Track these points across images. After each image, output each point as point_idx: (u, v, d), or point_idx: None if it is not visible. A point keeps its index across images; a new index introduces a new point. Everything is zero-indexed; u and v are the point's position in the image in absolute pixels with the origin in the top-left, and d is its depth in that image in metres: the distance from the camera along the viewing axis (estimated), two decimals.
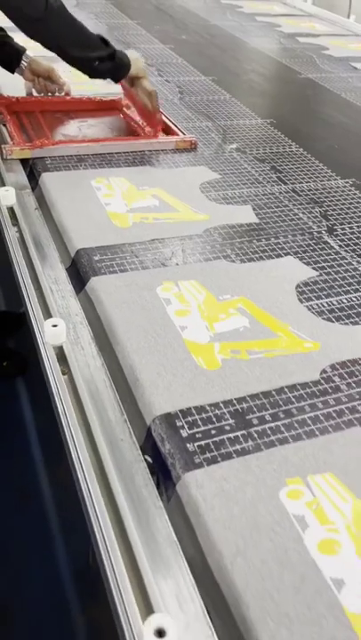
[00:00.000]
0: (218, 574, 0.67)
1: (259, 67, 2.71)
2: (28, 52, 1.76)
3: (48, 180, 1.44)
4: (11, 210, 1.29)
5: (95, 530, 0.67)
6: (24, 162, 1.55)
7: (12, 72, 1.79)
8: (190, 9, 3.61)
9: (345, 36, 3.41)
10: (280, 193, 1.52)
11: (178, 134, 1.72)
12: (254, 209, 1.43)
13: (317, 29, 3.51)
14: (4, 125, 1.66)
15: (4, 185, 1.40)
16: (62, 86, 1.83)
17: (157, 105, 1.66)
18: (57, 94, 1.85)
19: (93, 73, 1.58)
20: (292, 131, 1.95)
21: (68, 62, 1.54)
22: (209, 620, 0.61)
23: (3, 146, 1.53)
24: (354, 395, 0.91)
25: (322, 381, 0.93)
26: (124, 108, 1.87)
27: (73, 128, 1.77)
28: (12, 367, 2.13)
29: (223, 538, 0.69)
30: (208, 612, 0.63)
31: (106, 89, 1.93)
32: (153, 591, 0.61)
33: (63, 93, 1.86)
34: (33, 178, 1.49)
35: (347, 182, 1.63)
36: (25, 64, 1.75)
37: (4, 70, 1.90)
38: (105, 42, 1.52)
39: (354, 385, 0.93)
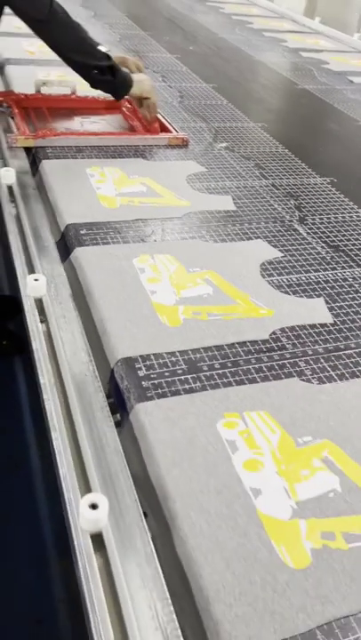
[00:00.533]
0: (155, 481, 0.78)
1: (259, 77, 2.87)
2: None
3: (47, 166, 1.58)
4: (10, 189, 1.43)
5: (54, 437, 0.79)
6: (28, 151, 1.69)
7: None
8: (202, 23, 3.78)
9: (347, 53, 3.55)
10: (260, 187, 1.65)
11: (171, 132, 1.87)
12: (234, 199, 1.55)
13: (321, 45, 3.66)
14: (12, 118, 1.82)
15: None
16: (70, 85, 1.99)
17: (155, 114, 1.84)
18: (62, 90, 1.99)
19: (93, 82, 1.71)
20: (281, 134, 2.08)
21: (69, 65, 1.69)
22: (140, 509, 0.73)
23: (8, 135, 1.68)
24: (297, 353, 1.03)
25: (270, 341, 1.05)
26: (124, 108, 2.01)
27: (75, 123, 1.91)
28: (11, 347, 2.27)
29: (162, 453, 0.81)
30: (143, 510, 0.75)
31: None
32: (94, 482, 0.73)
33: (71, 92, 1.99)
34: (34, 165, 1.64)
35: (325, 180, 1.75)
36: None
37: (16, 68, 2.06)
38: (107, 56, 1.65)
39: (298, 345, 1.05)
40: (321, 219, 1.52)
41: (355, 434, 0.88)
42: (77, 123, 1.92)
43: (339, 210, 1.58)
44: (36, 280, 1.04)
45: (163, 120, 1.91)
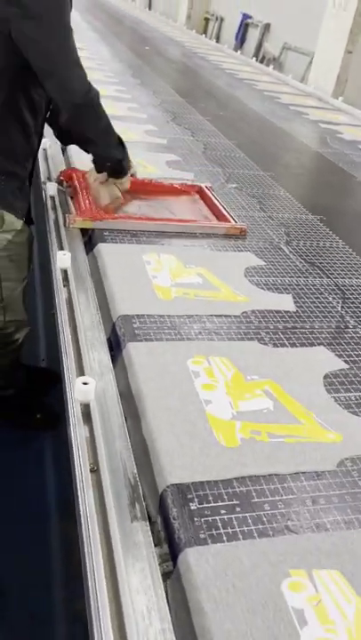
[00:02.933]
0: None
1: (277, 139, 3.11)
2: None
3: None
4: (64, 272, 1.38)
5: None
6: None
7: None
8: (234, 95, 4.11)
9: None
10: (259, 217, 1.57)
11: (229, 220, 1.81)
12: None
13: (340, 119, 3.88)
14: (71, 198, 1.80)
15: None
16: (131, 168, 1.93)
17: (116, 206, 1.77)
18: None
19: (102, 167, 1.66)
20: (285, 182, 2.33)
21: (80, 147, 1.65)
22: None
23: (67, 215, 1.65)
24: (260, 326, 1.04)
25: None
26: (195, 194, 1.99)
27: (134, 206, 1.88)
28: (44, 421, 2.15)
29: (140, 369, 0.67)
30: None
31: (173, 174, 2.13)
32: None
33: (130, 174, 1.93)
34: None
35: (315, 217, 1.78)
36: None
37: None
38: (122, 143, 1.61)
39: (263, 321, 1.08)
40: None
41: (292, 379, 1.13)
42: (136, 206, 1.89)
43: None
44: (84, 384, 0.95)
45: (221, 209, 1.87)
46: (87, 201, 1.75)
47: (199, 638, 0.66)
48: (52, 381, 2.19)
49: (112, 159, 1.62)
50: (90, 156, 1.67)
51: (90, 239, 1.63)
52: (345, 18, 4.87)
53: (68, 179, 1.87)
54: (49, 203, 1.76)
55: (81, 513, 0.79)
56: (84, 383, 0.95)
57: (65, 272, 1.38)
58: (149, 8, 11.73)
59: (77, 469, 0.86)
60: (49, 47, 1.37)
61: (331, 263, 1.69)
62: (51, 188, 1.79)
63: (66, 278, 1.36)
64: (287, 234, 1.85)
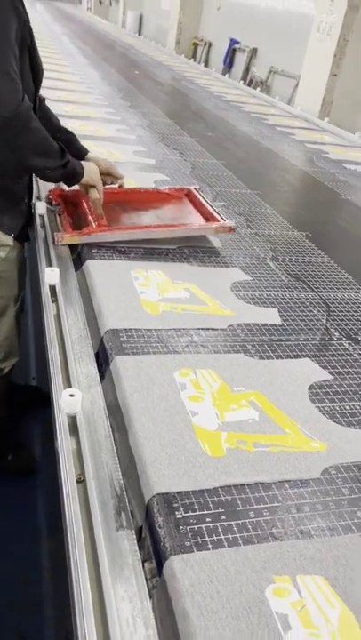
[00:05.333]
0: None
1: (263, 159, 3.19)
2: (90, 154, 1.86)
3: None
4: (52, 288, 1.40)
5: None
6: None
7: None
8: (223, 117, 4.20)
9: (347, 147, 3.87)
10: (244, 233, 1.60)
11: (218, 220, 1.81)
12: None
13: (325, 140, 3.99)
14: (59, 215, 1.82)
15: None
16: (119, 179, 1.90)
17: (100, 211, 1.73)
18: (110, 185, 1.91)
19: (44, 178, 1.65)
20: (271, 200, 2.39)
21: (24, 166, 1.56)
22: None
23: (56, 233, 1.66)
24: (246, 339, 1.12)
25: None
26: (184, 198, 2.01)
27: (124, 217, 1.87)
28: (18, 465, 1.95)
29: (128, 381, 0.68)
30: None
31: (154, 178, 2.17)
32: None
33: (117, 185, 1.93)
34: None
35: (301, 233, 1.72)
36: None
37: None
38: (63, 152, 1.54)
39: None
40: None
41: (278, 390, 1.15)
42: (126, 216, 1.89)
43: None
44: (71, 396, 0.96)
45: (210, 209, 1.89)
46: (74, 218, 1.77)
47: None
48: (43, 400, 2.14)
49: (51, 167, 1.53)
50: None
51: (79, 256, 1.65)
52: (329, 42, 5.02)
53: (56, 197, 1.90)
54: (38, 221, 1.79)
55: (67, 522, 0.80)
56: (71, 395, 0.97)
57: (53, 288, 1.40)
58: (139, 34, 11.98)
59: (64, 480, 0.87)
60: None
61: (316, 278, 1.72)
62: (40, 207, 1.82)
63: (54, 294, 1.38)
64: (273, 250, 1.88)
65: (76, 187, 1.72)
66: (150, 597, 0.73)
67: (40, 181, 2.10)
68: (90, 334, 1.28)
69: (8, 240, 1.63)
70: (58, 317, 1.32)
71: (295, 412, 1.10)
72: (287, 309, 1.50)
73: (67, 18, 11.48)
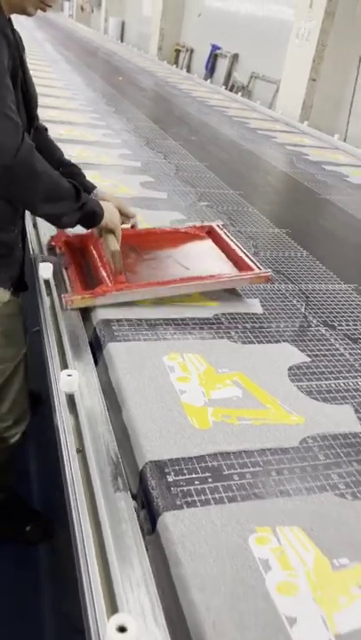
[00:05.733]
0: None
1: (245, 161, 3.31)
2: (97, 189, 1.65)
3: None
4: (70, 397, 1.07)
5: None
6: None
7: None
8: (206, 121, 4.33)
9: (327, 149, 4.02)
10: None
11: (252, 267, 1.56)
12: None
13: (305, 142, 4.13)
14: (66, 269, 1.50)
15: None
16: (131, 218, 1.64)
17: (120, 266, 1.43)
18: (123, 226, 1.56)
19: (60, 225, 1.46)
20: (252, 200, 2.49)
21: (36, 215, 1.41)
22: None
23: (63, 295, 1.35)
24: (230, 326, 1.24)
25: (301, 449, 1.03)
26: (206, 237, 1.76)
27: (141, 265, 1.57)
28: (36, 533, 1.80)
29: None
30: None
31: (147, 194, 2.25)
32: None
33: (129, 226, 1.64)
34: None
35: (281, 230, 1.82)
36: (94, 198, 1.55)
37: None
38: (78, 191, 1.33)
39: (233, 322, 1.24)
40: (348, 323, 1.54)
41: (260, 371, 1.23)
42: (143, 264, 1.58)
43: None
44: (69, 375, 1.04)
45: (238, 251, 1.64)
46: (82, 269, 1.49)
47: (176, 583, 0.75)
48: (34, 402, 1.83)
49: (67, 213, 1.34)
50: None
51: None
52: (308, 48, 5.17)
53: (61, 245, 1.61)
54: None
55: (69, 485, 0.88)
56: (69, 375, 1.05)
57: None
58: (122, 40, 12.11)
59: (64, 450, 0.95)
60: None
61: (295, 271, 1.82)
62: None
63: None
64: (255, 246, 1.98)
65: (82, 229, 1.47)
66: (146, 549, 0.81)
67: (38, 223, 1.76)
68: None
69: (5, 296, 1.45)
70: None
71: (275, 390, 1.19)
72: (268, 300, 1.59)
73: (49, 24, 11.57)
